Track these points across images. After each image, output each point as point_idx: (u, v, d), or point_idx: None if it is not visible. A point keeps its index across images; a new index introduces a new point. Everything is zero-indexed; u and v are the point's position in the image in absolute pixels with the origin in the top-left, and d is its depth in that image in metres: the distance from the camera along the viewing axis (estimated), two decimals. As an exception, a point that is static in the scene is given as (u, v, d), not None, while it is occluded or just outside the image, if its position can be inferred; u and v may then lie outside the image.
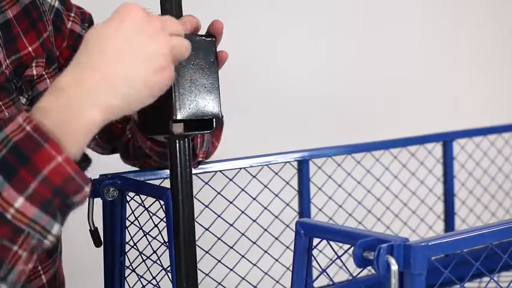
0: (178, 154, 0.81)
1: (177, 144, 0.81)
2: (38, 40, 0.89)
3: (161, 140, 0.92)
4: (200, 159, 0.98)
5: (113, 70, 0.67)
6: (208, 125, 0.82)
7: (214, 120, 0.82)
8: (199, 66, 0.80)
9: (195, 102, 0.79)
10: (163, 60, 0.70)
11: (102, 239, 0.93)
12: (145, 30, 0.69)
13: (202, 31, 0.83)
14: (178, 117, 0.78)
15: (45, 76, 0.89)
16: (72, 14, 0.96)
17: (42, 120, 0.64)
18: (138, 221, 0.92)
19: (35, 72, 0.87)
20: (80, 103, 0.65)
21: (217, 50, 0.83)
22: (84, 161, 0.69)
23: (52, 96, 0.66)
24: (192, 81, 0.79)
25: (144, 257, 0.91)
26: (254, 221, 1.11)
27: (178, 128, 0.80)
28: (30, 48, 0.88)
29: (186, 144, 0.81)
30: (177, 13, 0.80)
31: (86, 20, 0.99)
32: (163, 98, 0.74)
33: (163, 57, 0.69)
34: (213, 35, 0.82)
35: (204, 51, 0.81)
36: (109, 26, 0.69)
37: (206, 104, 0.80)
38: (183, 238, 0.81)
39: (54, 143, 0.63)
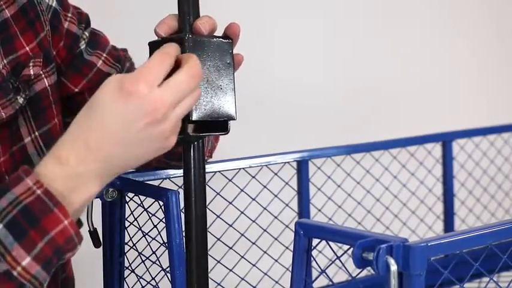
0: (192, 155, 0.81)
1: (192, 145, 0.81)
2: (35, 40, 0.89)
3: None
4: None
5: (115, 154, 0.71)
6: (221, 127, 0.82)
7: (228, 122, 0.81)
8: (215, 67, 0.79)
9: (211, 104, 0.79)
10: (162, 143, 0.72)
11: (101, 240, 0.93)
12: (146, 117, 0.70)
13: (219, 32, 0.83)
14: (194, 118, 0.77)
15: (43, 76, 0.89)
16: (70, 14, 0.96)
17: (48, 186, 0.69)
18: (138, 222, 0.92)
19: (32, 72, 0.87)
20: (81, 182, 0.70)
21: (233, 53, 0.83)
22: (78, 223, 0.75)
23: (56, 167, 0.70)
24: (208, 82, 0.79)
25: (144, 258, 0.91)
26: (253, 221, 1.11)
27: (192, 129, 0.80)
28: (27, 48, 0.87)
29: (200, 145, 0.81)
30: (195, 14, 0.80)
31: (83, 21, 0.98)
32: None
33: (163, 140, 0.72)
34: (230, 37, 0.82)
35: (221, 53, 0.80)
36: (114, 104, 0.70)
37: (221, 105, 0.79)
38: (195, 239, 0.81)
39: (63, 208, 0.68)
